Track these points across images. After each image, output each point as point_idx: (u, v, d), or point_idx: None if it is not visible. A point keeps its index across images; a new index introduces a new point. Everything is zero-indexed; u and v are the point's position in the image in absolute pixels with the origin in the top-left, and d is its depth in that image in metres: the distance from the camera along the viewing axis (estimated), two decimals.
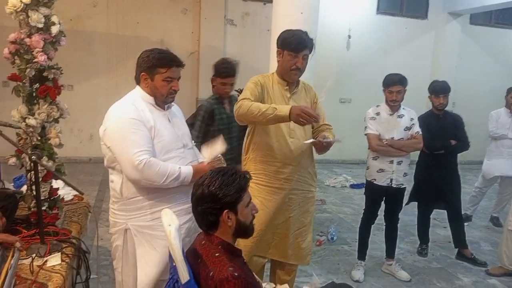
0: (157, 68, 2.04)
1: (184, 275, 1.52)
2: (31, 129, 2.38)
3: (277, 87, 2.63)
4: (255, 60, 7.32)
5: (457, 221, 4.15)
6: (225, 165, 2.19)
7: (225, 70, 3.33)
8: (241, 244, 2.50)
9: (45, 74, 2.43)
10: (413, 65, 8.36)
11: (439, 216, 4.68)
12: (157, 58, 2.04)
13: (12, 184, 3.16)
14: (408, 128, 3.52)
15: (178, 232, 1.57)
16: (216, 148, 2.21)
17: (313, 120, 2.27)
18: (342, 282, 2.42)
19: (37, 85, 2.43)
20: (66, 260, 2.14)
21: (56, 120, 2.51)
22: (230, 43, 7.78)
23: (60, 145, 2.52)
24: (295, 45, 2.51)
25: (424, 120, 3.64)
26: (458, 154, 4.11)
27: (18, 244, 1.75)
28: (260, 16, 7.73)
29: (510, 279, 3.74)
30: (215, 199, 1.63)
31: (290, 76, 2.59)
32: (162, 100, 2.11)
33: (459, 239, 4.16)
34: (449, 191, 4.03)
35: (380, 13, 8.62)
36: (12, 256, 1.70)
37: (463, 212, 5.06)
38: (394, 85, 3.45)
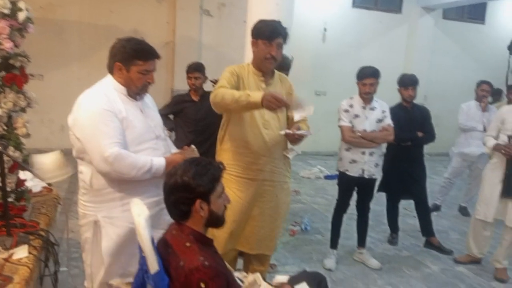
0: (134, 60, 1.99)
1: (153, 265, 1.52)
2: None
3: (253, 78, 2.63)
4: (231, 51, 7.31)
5: (424, 211, 4.26)
6: (198, 155, 2.17)
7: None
8: (216, 235, 2.50)
9: (11, 61, 2.35)
10: (387, 58, 8.50)
11: (409, 206, 4.79)
12: (135, 49, 1.99)
13: None
14: (380, 120, 3.58)
15: (147, 223, 1.56)
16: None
17: (282, 105, 2.27)
18: (313, 270, 2.45)
19: (2, 73, 2.35)
20: (34, 253, 2.09)
21: (23, 110, 2.44)
22: (206, 34, 7.70)
23: (27, 135, 2.45)
24: (268, 33, 2.52)
25: (393, 112, 3.71)
26: (428, 146, 4.22)
27: None
28: (236, 7, 7.67)
29: (477, 266, 3.87)
30: (188, 188, 1.62)
31: (265, 65, 2.60)
32: (136, 92, 2.06)
33: (426, 228, 4.28)
34: (415, 181, 4.13)
35: (355, 6, 8.69)
36: None
37: (433, 202, 5.23)
38: (368, 77, 3.50)
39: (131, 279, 1.79)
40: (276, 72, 2.75)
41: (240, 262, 3.01)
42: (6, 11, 2.25)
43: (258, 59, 2.61)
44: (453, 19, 9.53)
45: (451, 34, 9.49)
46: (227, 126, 2.68)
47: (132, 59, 1.99)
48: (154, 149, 2.07)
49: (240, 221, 2.67)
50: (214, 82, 3.87)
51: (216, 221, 1.73)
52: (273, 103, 2.21)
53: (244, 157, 2.62)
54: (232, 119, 2.64)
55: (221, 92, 2.38)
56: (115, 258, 1.99)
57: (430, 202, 4.60)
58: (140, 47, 2.01)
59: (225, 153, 2.69)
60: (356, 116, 3.57)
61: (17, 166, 2.37)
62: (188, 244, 1.62)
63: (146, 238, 1.53)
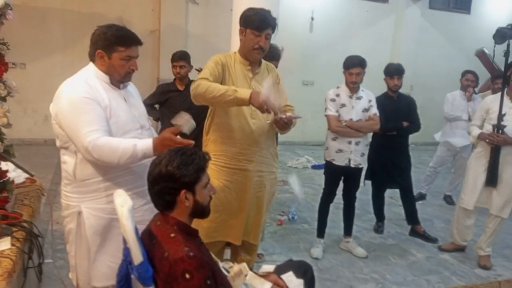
0: (116, 46, 1.94)
1: (137, 256, 1.50)
2: None
3: (239, 67, 2.59)
4: (217, 40, 7.23)
5: (408, 200, 4.31)
6: (193, 124, 2.09)
7: None
8: (204, 225, 2.51)
9: None
10: (374, 48, 8.51)
11: (394, 195, 4.85)
12: (116, 35, 1.94)
13: None
14: (366, 110, 3.59)
15: (130, 213, 1.54)
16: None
17: (274, 112, 2.31)
18: (299, 260, 2.46)
19: None
20: (17, 245, 2.06)
21: (3, 99, 2.38)
22: (192, 22, 7.62)
23: (8, 125, 2.39)
24: (258, 23, 2.48)
25: (379, 101, 3.73)
26: (413, 136, 4.25)
27: None
28: None
29: (461, 254, 3.94)
30: (173, 178, 1.60)
31: (252, 55, 2.57)
32: (119, 80, 2.02)
33: (411, 217, 4.33)
34: (400, 171, 4.17)
35: None
36: None
37: (418, 191, 5.28)
38: (354, 67, 3.49)
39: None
40: (263, 61, 2.72)
41: (227, 253, 3.01)
42: None
43: (245, 49, 2.58)
44: (439, 9, 9.59)
45: (437, 24, 9.54)
46: (213, 116, 2.65)
47: (113, 45, 1.94)
48: (139, 139, 2.03)
49: (227, 211, 2.66)
50: (200, 71, 3.83)
51: (201, 211, 1.72)
52: (268, 106, 2.24)
53: (231, 147, 2.60)
54: (217, 109, 2.61)
55: (205, 84, 2.33)
56: (100, 249, 1.96)
57: (415, 191, 4.65)
58: (121, 33, 1.97)
59: (211, 144, 2.67)
60: (343, 105, 3.57)
61: None
62: (172, 235, 1.60)
63: (129, 229, 1.51)
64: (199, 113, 3.14)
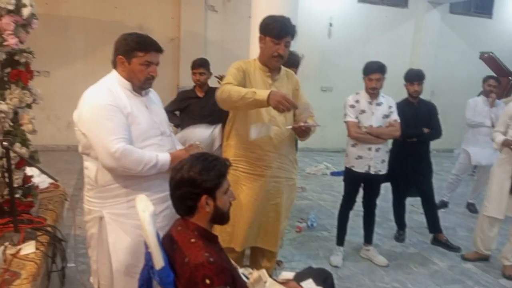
0: (135, 52, 1.99)
1: (158, 261, 1.51)
2: (2, 115, 2.31)
3: (259, 74, 2.61)
4: (236, 47, 7.29)
5: (430, 207, 4.23)
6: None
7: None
8: (231, 236, 2.53)
9: (16, 58, 2.36)
10: (393, 53, 8.45)
11: (416, 203, 4.77)
12: (136, 41, 1.99)
13: None
14: (386, 116, 3.55)
15: (152, 218, 1.56)
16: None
17: (292, 107, 2.26)
18: (319, 267, 2.44)
19: (8, 69, 2.36)
20: (41, 248, 2.11)
21: (29, 106, 2.45)
22: (211, 30, 7.69)
23: (33, 132, 2.46)
24: (277, 31, 2.49)
25: (399, 107, 3.68)
26: (434, 142, 4.18)
27: None
28: (241, 2, 7.65)
29: (485, 263, 3.84)
30: (194, 183, 1.62)
31: (272, 62, 2.58)
32: (139, 86, 2.05)
33: (433, 225, 4.25)
34: (421, 178, 4.10)
35: (361, 1, 8.64)
36: None
37: (440, 199, 5.19)
38: (374, 72, 3.47)
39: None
40: (283, 68, 2.73)
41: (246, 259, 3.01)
42: (11, 7, 2.26)
43: (265, 56, 2.59)
44: (460, 13, 9.45)
45: (458, 28, 9.41)
46: (234, 121, 2.67)
47: (133, 51, 1.99)
48: (159, 146, 2.06)
49: (253, 219, 2.66)
50: (220, 78, 3.86)
51: (221, 217, 1.73)
52: (283, 105, 2.20)
53: (250, 153, 2.61)
54: (238, 114, 2.63)
55: (228, 88, 2.36)
56: (121, 254, 1.98)
57: (437, 198, 4.57)
58: (141, 39, 2.01)
59: (231, 149, 2.68)
60: (363, 111, 3.54)
61: (24, 162, 2.38)
62: (193, 240, 1.62)
63: (151, 233, 1.53)
64: (219, 120, 3.17)
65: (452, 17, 9.33)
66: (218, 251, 1.69)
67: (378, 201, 3.80)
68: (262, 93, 2.26)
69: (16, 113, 2.40)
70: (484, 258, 3.88)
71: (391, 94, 3.69)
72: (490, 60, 7.26)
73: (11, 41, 2.25)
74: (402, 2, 8.97)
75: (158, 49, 2.04)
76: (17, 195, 2.34)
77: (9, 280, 1.82)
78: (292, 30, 2.54)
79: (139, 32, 2.07)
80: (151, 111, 2.11)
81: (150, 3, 7.30)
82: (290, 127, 2.54)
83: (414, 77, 3.95)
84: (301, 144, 2.83)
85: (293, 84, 2.75)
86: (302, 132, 2.51)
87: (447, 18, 9.22)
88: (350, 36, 8.56)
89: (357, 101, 3.57)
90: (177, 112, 4.06)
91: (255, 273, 1.93)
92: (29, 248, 2.09)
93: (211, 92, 3.73)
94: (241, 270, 1.95)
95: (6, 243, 2.06)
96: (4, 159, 2.12)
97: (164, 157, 1.99)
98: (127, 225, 1.97)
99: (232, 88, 2.35)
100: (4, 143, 2.02)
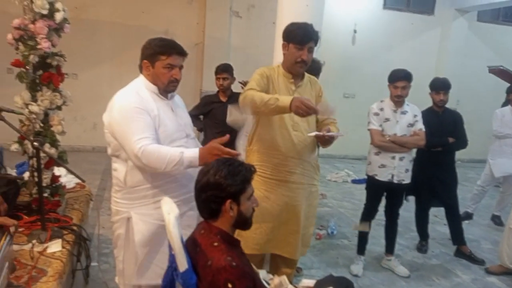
0: (158, 55, 2.03)
1: (182, 263, 1.53)
2: (34, 116, 2.39)
3: (282, 80, 2.62)
4: (259, 52, 7.30)
5: (454, 219, 4.14)
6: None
7: None
8: (252, 242, 2.53)
9: (48, 61, 2.44)
10: (418, 61, 8.32)
11: (439, 213, 4.68)
12: (158, 45, 2.04)
13: (15, 170, 3.17)
14: (411, 125, 3.51)
15: (177, 221, 1.58)
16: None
17: (312, 112, 2.26)
18: (340, 275, 2.42)
19: (40, 71, 2.44)
20: (67, 247, 2.16)
21: (59, 108, 2.52)
22: (235, 35, 7.75)
23: (62, 133, 2.53)
24: (300, 37, 2.50)
25: (424, 116, 3.63)
26: (460, 152, 4.10)
27: (12, 228, 1.74)
28: (266, 8, 7.68)
29: (510, 277, 3.74)
30: (219, 187, 1.64)
31: (295, 69, 2.59)
32: (164, 89, 2.09)
33: (457, 236, 4.16)
34: (446, 188, 4.01)
35: (386, 8, 8.56)
36: (5, 240, 1.69)
37: (464, 210, 5.08)
38: (400, 80, 3.43)
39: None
40: (306, 74, 2.73)
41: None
42: (45, 12, 2.33)
43: (288, 62, 2.60)
44: (487, 21, 9.25)
45: (485, 37, 9.21)
46: (256, 127, 2.68)
47: (156, 54, 2.03)
48: (185, 148, 2.09)
49: (274, 225, 2.67)
50: (243, 83, 3.89)
51: (244, 222, 1.74)
52: (303, 110, 2.19)
53: (273, 158, 2.62)
54: (261, 120, 2.64)
55: (251, 94, 2.38)
56: (147, 254, 2.01)
57: (462, 210, 4.47)
58: (163, 43, 2.05)
59: (253, 154, 2.69)
60: (387, 119, 3.51)
61: (52, 162, 2.45)
62: (216, 244, 1.63)
63: (176, 236, 1.55)
64: None
65: (479, 25, 9.15)
66: (240, 255, 1.70)
67: (401, 211, 3.75)
68: (285, 100, 2.26)
69: (46, 115, 2.48)
70: (509, 272, 3.77)
71: (415, 103, 3.64)
72: (502, 73, 7.10)
73: (44, 44, 2.33)
74: (428, 9, 8.85)
75: (180, 52, 2.07)
76: (45, 194, 2.41)
77: (36, 277, 1.87)
78: (315, 36, 2.55)
79: (163, 37, 2.12)
80: (176, 114, 2.15)
81: (176, 8, 7.41)
82: (313, 134, 2.53)
83: (440, 86, 3.89)
84: (322, 150, 2.82)
85: (316, 91, 2.75)
86: (326, 140, 2.51)
87: (474, 26, 9.05)
88: (374, 43, 8.49)
89: (381, 109, 3.54)
90: (201, 117, 4.10)
91: (276, 279, 1.94)
92: (55, 246, 2.14)
93: (234, 97, 3.76)
94: (262, 276, 1.96)
95: (34, 241, 2.12)
96: (34, 159, 2.18)
97: (190, 154, 1.94)
98: (153, 225, 2.01)
99: (255, 94, 2.36)
100: (35, 143, 2.08)
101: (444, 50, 8.83)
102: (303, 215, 2.74)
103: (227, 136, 2.01)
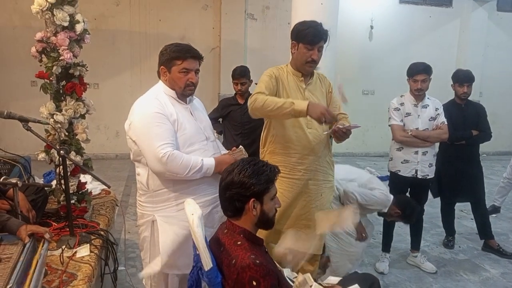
0: (174, 60, 2.07)
1: (207, 263, 1.56)
2: (59, 125, 2.46)
3: (292, 79, 2.62)
4: (275, 54, 7.34)
5: (481, 213, 4.06)
6: (246, 155, 2.21)
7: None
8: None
9: (71, 71, 2.51)
10: (437, 54, 8.20)
11: (466, 208, 4.59)
12: (173, 50, 2.08)
13: (42, 179, 3.26)
14: (433, 118, 3.46)
15: (200, 221, 1.61)
16: None
17: (333, 120, 2.30)
18: (365, 272, 2.41)
19: (63, 82, 2.52)
20: (95, 251, 2.21)
21: (83, 116, 2.59)
22: (251, 37, 7.78)
23: (87, 140, 2.60)
24: (311, 38, 2.49)
25: (446, 109, 3.57)
26: (485, 145, 4.01)
27: (47, 235, 1.81)
28: (280, 9, 7.71)
29: None
30: (244, 186, 1.67)
31: (305, 68, 2.58)
32: (181, 93, 2.13)
33: (484, 231, 4.07)
34: (471, 182, 3.92)
35: (403, 2, 8.46)
36: (42, 247, 1.77)
37: (491, 203, 4.97)
38: (419, 73, 3.39)
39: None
40: (315, 71, 2.73)
41: None
42: (65, 24, 2.41)
43: (298, 62, 2.60)
44: (508, 10, 9.03)
45: (506, 26, 8.99)
46: (269, 128, 2.68)
47: (172, 60, 2.08)
48: (204, 150, 2.13)
49: (290, 223, 2.67)
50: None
51: (266, 222, 1.76)
52: (326, 117, 2.22)
53: (289, 157, 2.62)
54: (273, 121, 2.64)
55: (261, 98, 2.37)
56: (171, 254, 2.05)
57: (488, 203, 4.37)
58: (178, 48, 2.09)
59: (269, 155, 2.69)
60: (408, 114, 3.47)
61: (78, 170, 2.52)
62: (239, 243, 1.66)
63: (200, 236, 1.58)
64: (259, 126, 3.21)
65: (500, 15, 8.94)
66: (264, 253, 1.72)
67: (426, 207, 3.69)
68: (301, 104, 2.27)
69: (71, 123, 2.55)
70: None
71: (436, 96, 3.59)
72: None
73: (66, 55, 2.40)
74: (446, 1, 8.69)
75: (195, 56, 2.10)
76: (72, 201, 2.48)
77: (67, 281, 1.93)
78: (325, 35, 2.54)
79: (178, 42, 2.16)
80: (195, 117, 2.18)
81: (192, 14, 7.50)
82: (330, 131, 2.53)
83: (464, 79, 3.80)
84: (343, 149, 2.82)
85: (326, 87, 2.74)
86: (343, 134, 2.49)
87: (494, 15, 8.84)
88: (392, 38, 8.40)
89: (401, 104, 3.50)
90: (220, 120, 4.14)
91: (300, 277, 1.94)
92: (84, 251, 2.20)
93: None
94: (286, 274, 1.97)
95: (63, 246, 2.18)
96: (61, 167, 2.25)
97: (208, 162, 2.06)
98: (177, 226, 2.04)
99: (267, 98, 2.35)
100: (61, 151, 2.15)
101: (465, 42, 8.66)
102: (319, 210, 2.73)
103: (241, 148, 2.14)
